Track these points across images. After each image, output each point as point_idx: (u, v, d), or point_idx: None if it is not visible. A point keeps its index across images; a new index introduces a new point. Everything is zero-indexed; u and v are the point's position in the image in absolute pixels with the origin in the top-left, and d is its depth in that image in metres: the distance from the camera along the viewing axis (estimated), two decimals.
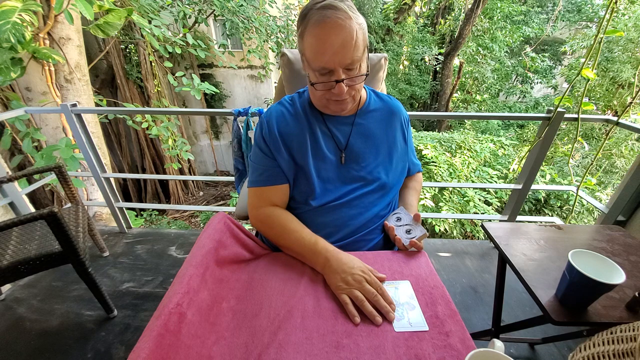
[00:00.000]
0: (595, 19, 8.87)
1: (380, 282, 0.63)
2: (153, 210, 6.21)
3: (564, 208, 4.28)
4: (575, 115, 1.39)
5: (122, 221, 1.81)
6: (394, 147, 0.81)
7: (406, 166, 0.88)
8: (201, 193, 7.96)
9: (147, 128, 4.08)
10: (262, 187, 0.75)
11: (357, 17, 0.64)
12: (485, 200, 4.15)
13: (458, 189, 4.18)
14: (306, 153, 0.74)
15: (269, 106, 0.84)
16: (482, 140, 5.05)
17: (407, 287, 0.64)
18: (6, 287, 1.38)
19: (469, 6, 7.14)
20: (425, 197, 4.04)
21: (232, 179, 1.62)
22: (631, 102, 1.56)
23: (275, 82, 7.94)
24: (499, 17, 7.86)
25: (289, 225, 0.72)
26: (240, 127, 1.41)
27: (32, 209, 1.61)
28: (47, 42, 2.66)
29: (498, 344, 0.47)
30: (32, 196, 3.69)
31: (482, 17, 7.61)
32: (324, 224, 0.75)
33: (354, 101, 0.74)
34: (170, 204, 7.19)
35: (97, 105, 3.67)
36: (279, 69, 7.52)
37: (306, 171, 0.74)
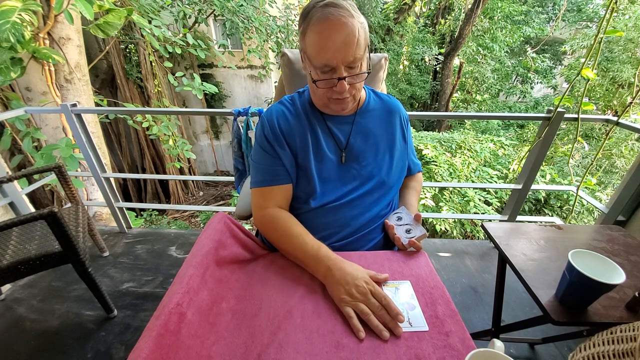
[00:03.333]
0: (596, 19, 8.87)
1: (383, 284, 0.63)
2: (153, 210, 6.21)
3: (564, 208, 4.28)
4: (575, 115, 1.39)
5: (122, 221, 1.81)
6: (394, 146, 0.81)
7: (406, 165, 0.88)
8: (201, 193, 7.96)
9: (148, 128, 4.08)
10: (266, 187, 0.74)
11: (358, 16, 0.65)
12: (485, 200, 4.15)
13: (458, 189, 4.18)
14: (308, 153, 0.74)
15: (269, 106, 0.84)
16: (482, 140, 5.05)
17: (407, 287, 0.64)
18: (6, 287, 1.38)
19: (469, 6, 7.14)
20: (426, 197, 4.04)
21: (232, 179, 1.62)
22: (631, 102, 1.56)
23: (275, 82, 7.93)
24: (499, 17, 7.86)
25: (292, 229, 0.70)
26: (240, 127, 1.41)
27: (32, 209, 1.61)
28: (47, 42, 2.66)
29: (498, 344, 0.47)
30: (32, 196, 3.69)
31: (482, 17, 7.61)
32: (326, 225, 0.75)
33: (355, 100, 0.74)
34: (170, 204, 7.19)
35: (97, 105, 3.67)
36: (279, 69, 7.52)
37: (307, 171, 0.74)
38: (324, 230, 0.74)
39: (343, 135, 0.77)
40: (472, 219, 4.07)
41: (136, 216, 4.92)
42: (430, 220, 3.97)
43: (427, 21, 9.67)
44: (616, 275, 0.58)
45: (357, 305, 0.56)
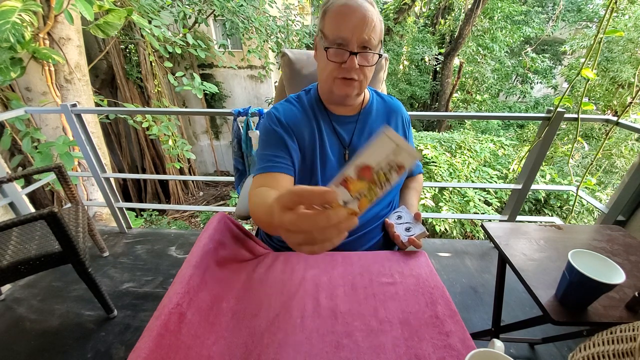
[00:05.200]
0: (595, 19, 8.87)
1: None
2: (153, 210, 6.21)
3: (564, 208, 4.28)
4: (575, 115, 1.39)
5: (122, 221, 1.81)
6: None
7: None
8: (201, 193, 7.95)
9: (148, 128, 4.08)
10: (266, 173, 0.70)
11: (377, 10, 0.68)
12: (485, 200, 4.15)
13: (458, 189, 4.18)
14: (314, 150, 0.74)
15: (270, 105, 0.84)
16: (482, 140, 5.05)
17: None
18: (6, 287, 1.38)
19: (469, 6, 7.14)
20: (425, 197, 4.04)
21: (232, 179, 1.62)
22: (631, 102, 1.56)
23: (275, 82, 7.93)
24: (499, 17, 7.86)
25: (269, 192, 0.59)
26: (240, 127, 1.41)
27: (32, 209, 1.61)
28: (47, 42, 2.66)
29: (498, 344, 0.47)
30: (32, 196, 3.69)
31: (482, 17, 7.61)
32: None
33: (360, 89, 0.73)
34: (170, 204, 7.19)
35: (97, 105, 3.67)
36: (279, 69, 7.52)
37: (312, 169, 0.74)
38: None
39: (347, 134, 0.78)
40: (472, 219, 4.07)
41: (136, 216, 4.92)
42: (430, 220, 3.97)
43: (427, 21, 9.66)
44: (616, 275, 0.58)
45: (302, 248, 0.35)
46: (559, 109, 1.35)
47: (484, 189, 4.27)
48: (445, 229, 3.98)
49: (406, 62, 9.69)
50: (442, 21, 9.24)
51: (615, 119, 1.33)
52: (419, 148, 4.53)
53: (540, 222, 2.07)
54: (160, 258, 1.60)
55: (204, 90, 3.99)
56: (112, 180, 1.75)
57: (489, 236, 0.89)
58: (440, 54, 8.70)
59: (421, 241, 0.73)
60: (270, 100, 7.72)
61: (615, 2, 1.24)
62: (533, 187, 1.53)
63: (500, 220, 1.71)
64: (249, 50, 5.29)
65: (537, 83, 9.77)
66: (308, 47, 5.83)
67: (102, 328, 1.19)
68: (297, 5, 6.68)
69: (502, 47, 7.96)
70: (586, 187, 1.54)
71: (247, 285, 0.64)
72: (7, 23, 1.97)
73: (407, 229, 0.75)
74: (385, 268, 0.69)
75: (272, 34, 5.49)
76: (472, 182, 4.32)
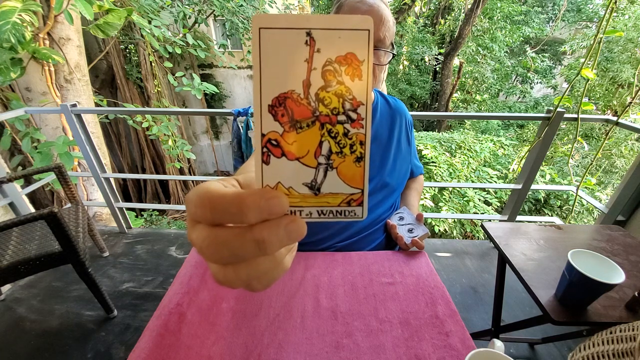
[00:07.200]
0: (595, 19, 8.88)
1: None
2: (153, 210, 6.21)
3: (563, 208, 4.28)
4: (575, 115, 1.39)
5: (122, 221, 1.81)
6: (399, 149, 0.81)
7: (409, 168, 0.88)
8: None
9: (148, 128, 4.08)
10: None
11: (390, 12, 0.69)
12: (485, 200, 4.15)
13: (458, 189, 4.18)
14: None
15: None
16: (482, 141, 5.05)
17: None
18: (6, 287, 1.38)
19: (469, 6, 7.15)
20: (425, 197, 4.04)
21: None
22: (631, 102, 1.56)
23: None
24: (499, 17, 7.87)
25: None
26: (240, 127, 1.41)
27: (32, 209, 1.61)
28: (47, 42, 2.66)
29: (498, 344, 0.47)
30: (32, 196, 3.69)
31: (482, 17, 7.61)
32: (327, 225, 0.75)
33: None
34: (170, 204, 7.18)
35: (97, 105, 3.67)
36: None
37: None
38: (326, 231, 0.74)
39: None
40: (471, 219, 4.07)
41: (136, 216, 4.92)
42: (430, 220, 3.97)
43: (427, 21, 9.67)
44: (616, 275, 0.58)
45: (217, 278, 0.22)
46: (558, 109, 1.35)
47: (483, 189, 4.28)
48: (445, 229, 3.99)
49: (406, 62, 9.70)
50: (442, 21, 9.24)
51: (615, 119, 1.34)
52: (418, 148, 4.53)
53: (540, 222, 2.07)
54: (160, 258, 1.60)
55: (203, 91, 3.99)
56: (112, 180, 1.75)
57: (488, 236, 0.89)
58: (440, 54, 8.70)
59: (423, 241, 0.73)
60: None
61: (615, 2, 1.24)
62: (533, 187, 1.53)
63: (500, 220, 1.71)
64: (248, 51, 5.29)
65: (537, 83, 9.77)
66: None
67: (102, 328, 1.19)
68: (297, 6, 6.68)
69: (502, 47, 7.96)
70: (586, 187, 1.54)
71: None
72: (8, 23, 1.97)
73: (410, 230, 0.75)
74: (385, 268, 0.69)
75: None
76: (472, 182, 4.32)
